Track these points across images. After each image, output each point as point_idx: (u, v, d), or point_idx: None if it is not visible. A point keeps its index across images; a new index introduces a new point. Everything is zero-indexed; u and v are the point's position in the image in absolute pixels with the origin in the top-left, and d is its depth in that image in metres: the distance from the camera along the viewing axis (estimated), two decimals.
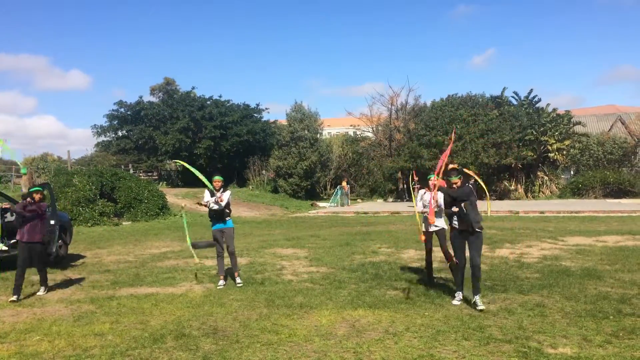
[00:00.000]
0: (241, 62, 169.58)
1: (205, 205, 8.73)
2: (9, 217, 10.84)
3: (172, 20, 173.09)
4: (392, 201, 37.76)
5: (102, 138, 44.69)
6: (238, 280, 8.68)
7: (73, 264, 11.33)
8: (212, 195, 8.69)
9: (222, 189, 8.77)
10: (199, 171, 9.37)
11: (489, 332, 5.71)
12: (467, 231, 6.83)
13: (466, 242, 6.95)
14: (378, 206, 31.66)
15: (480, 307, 6.65)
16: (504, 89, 40.87)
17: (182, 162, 10.10)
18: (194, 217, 24.90)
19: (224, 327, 6.14)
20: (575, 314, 6.34)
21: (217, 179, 8.81)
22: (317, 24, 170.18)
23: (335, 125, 63.86)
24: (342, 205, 33.41)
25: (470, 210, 6.77)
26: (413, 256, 11.44)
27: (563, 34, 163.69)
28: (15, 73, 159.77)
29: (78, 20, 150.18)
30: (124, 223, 22.22)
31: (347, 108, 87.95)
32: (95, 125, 44.08)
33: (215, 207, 8.64)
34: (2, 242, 10.38)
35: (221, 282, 8.58)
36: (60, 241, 11.16)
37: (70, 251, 12.52)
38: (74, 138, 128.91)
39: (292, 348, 5.34)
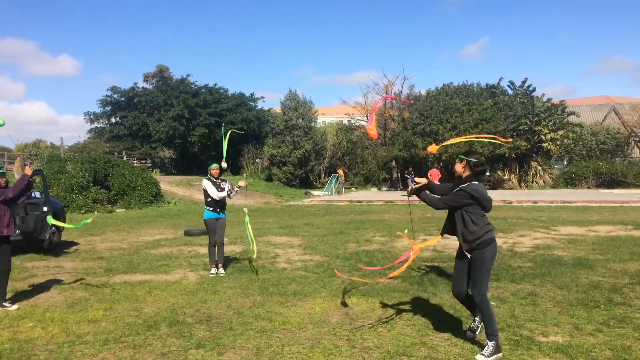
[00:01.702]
0: (234, 51, 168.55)
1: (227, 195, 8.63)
2: None
3: (164, 8, 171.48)
4: (386, 190, 37.83)
5: (95, 125, 44.43)
6: (221, 270, 8.65)
7: (66, 250, 11.31)
8: (213, 184, 8.61)
9: (220, 178, 8.75)
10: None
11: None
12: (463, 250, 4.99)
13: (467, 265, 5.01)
14: (372, 195, 31.72)
15: (475, 326, 5.15)
16: (500, 78, 41.07)
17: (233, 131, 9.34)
18: (188, 205, 24.87)
19: (217, 315, 6.16)
20: (566, 303, 6.40)
21: (215, 166, 8.75)
22: (309, 12, 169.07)
23: (329, 114, 63.78)
24: (339, 193, 33.48)
25: (461, 220, 4.88)
26: (406, 245, 11.48)
27: (556, 24, 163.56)
28: (1, 58, 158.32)
29: (66, 3, 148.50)
30: (117, 210, 22.16)
31: (341, 96, 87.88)
32: (88, 112, 43.88)
33: (231, 196, 8.63)
34: None
35: (213, 270, 8.58)
36: (53, 228, 11.12)
37: (63, 238, 12.49)
38: (64, 124, 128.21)
39: (285, 335, 5.36)
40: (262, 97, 47.67)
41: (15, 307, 6.63)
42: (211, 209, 8.64)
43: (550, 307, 6.26)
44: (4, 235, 6.71)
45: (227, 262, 9.48)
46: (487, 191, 4.99)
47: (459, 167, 5.05)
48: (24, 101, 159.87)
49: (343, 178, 35.10)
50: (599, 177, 35.26)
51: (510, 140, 6.62)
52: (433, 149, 6.97)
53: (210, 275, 8.44)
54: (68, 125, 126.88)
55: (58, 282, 8.17)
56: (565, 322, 5.62)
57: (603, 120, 45.97)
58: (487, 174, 5.19)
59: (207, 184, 8.63)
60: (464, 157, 5.01)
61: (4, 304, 6.59)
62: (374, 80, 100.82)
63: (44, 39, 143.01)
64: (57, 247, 11.35)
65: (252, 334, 5.40)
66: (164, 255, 10.60)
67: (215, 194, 8.54)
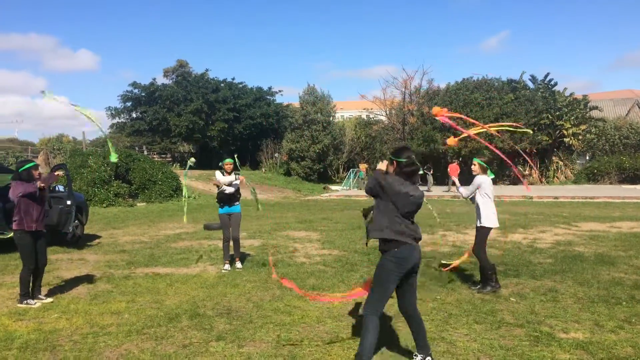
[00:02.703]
0: (252, 45, 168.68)
1: (218, 186, 8.61)
2: None
3: (182, 3, 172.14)
4: None
5: (117, 120, 44.99)
6: (238, 264, 8.66)
7: (89, 244, 11.49)
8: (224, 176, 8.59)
9: (233, 173, 8.72)
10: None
11: (501, 316, 5.73)
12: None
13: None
14: None
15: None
16: (522, 72, 40.52)
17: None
18: (207, 199, 25.06)
19: (237, 308, 6.23)
20: (587, 300, 6.34)
21: (228, 161, 8.67)
22: (327, 6, 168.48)
23: (348, 109, 63.54)
24: (360, 188, 33.48)
25: (376, 215, 4.38)
26: (425, 240, 11.45)
27: (578, 17, 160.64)
28: (23, 53, 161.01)
29: None
30: (138, 204, 22.43)
31: (359, 91, 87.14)
32: (109, 107, 44.40)
33: (230, 190, 8.58)
34: None
35: (226, 266, 8.60)
36: (76, 221, 11.32)
37: (86, 231, 12.69)
38: (85, 119, 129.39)
39: (304, 329, 5.41)
40: (280, 91, 47.78)
41: (48, 299, 6.70)
42: (221, 204, 8.64)
43: (571, 303, 6.22)
44: (34, 230, 6.62)
45: (246, 256, 9.56)
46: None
47: (390, 169, 4.46)
48: (45, 96, 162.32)
49: (365, 173, 35.05)
50: (621, 173, 34.72)
51: (530, 131, 6.55)
52: (452, 141, 7.17)
53: (223, 271, 8.46)
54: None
55: (81, 274, 8.32)
56: (586, 319, 5.58)
57: (626, 114, 45.14)
58: (421, 172, 4.56)
59: (217, 173, 8.62)
60: (393, 158, 4.42)
61: (28, 300, 6.55)
62: (392, 74, 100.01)
63: (63, 34, 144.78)
64: (80, 240, 11.54)
65: (272, 327, 5.46)
66: (184, 248, 10.72)
67: (223, 179, 8.50)
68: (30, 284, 6.68)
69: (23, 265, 6.66)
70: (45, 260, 6.94)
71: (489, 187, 6.96)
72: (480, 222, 6.94)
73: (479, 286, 7.00)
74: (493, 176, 7.26)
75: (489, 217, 6.92)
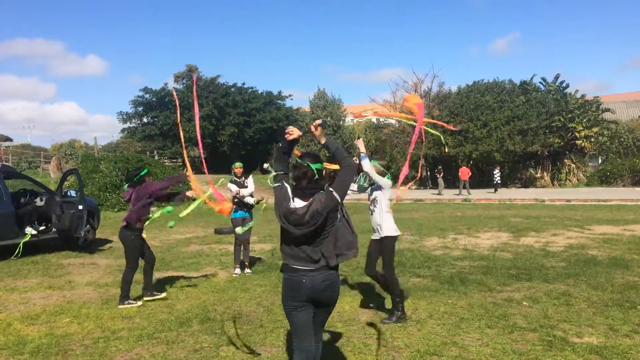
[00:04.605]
0: (260, 49, 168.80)
1: (236, 197, 8.50)
2: (39, 202, 11.10)
3: (190, 7, 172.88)
4: (415, 188, 37.57)
5: (128, 124, 45.34)
6: (247, 270, 8.65)
7: (100, 248, 11.55)
8: (237, 185, 8.55)
9: (243, 176, 8.70)
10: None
11: (513, 320, 5.67)
12: None
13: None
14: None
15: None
16: (533, 75, 40.22)
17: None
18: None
19: (248, 312, 6.22)
20: (601, 304, 6.26)
21: (238, 165, 8.69)
22: (336, 9, 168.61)
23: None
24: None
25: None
26: (436, 244, 11.40)
27: (589, 18, 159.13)
28: (31, 58, 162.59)
29: (91, 3, 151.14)
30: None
31: (369, 94, 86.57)
32: (121, 112, 44.77)
33: (251, 201, 8.58)
34: (32, 227, 10.62)
35: (237, 270, 8.59)
36: (88, 226, 11.38)
37: (97, 236, 12.75)
38: (95, 124, 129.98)
39: None
40: (290, 95, 47.98)
41: (163, 294, 6.90)
42: (237, 208, 8.63)
43: (585, 307, 6.15)
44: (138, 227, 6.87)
45: (257, 260, 9.56)
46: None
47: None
48: (55, 101, 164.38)
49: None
50: (635, 175, 34.36)
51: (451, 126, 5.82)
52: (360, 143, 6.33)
53: (234, 275, 8.46)
54: (98, 124, 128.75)
55: (92, 278, 8.35)
56: (600, 323, 5.51)
57: (639, 116, 44.71)
58: (312, 174, 3.73)
59: (231, 186, 8.56)
60: None
61: (129, 301, 6.63)
62: (401, 77, 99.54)
63: (71, 39, 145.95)
64: (91, 245, 11.60)
65: (282, 332, 5.44)
66: (195, 253, 10.74)
67: (243, 192, 8.50)
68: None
69: (127, 267, 6.81)
70: (153, 256, 7.15)
71: (389, 194, 6.10)
72: (382, 233, 6.00)
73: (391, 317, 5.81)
74: (391, 182, 6.37)
75: (393, 226, 6.10)
